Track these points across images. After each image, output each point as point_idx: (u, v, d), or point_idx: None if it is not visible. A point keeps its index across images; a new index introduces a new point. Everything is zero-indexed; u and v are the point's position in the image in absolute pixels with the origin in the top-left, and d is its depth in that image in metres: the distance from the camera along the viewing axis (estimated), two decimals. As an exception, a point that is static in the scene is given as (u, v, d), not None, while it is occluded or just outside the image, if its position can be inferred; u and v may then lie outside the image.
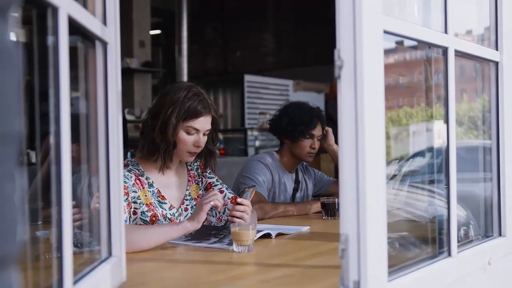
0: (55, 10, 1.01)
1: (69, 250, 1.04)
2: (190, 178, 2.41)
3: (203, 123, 2.23)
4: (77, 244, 1.40)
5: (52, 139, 1.03)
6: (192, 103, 2.20)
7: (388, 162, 1.32)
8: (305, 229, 2.37)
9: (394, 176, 2.23)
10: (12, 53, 0.57)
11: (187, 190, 2.37)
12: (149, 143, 2.23)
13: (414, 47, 1.76)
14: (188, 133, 2.21)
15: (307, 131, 3.02)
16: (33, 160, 2.45)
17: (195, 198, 2.38)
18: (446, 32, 1.54)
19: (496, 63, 1.84)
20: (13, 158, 0.59)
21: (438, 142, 2.02)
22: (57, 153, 1.02)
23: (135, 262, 1.73)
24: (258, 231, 2.05)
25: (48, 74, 1.04)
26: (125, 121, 4.61)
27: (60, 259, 1.02)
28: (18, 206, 0.59)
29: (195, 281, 1.57)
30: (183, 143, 2.22)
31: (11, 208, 0.57)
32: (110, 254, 1.39)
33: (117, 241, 1.41)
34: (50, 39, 1.03)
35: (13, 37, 0.59)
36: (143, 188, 2.21)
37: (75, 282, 1.10)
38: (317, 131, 3.05)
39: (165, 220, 2.23)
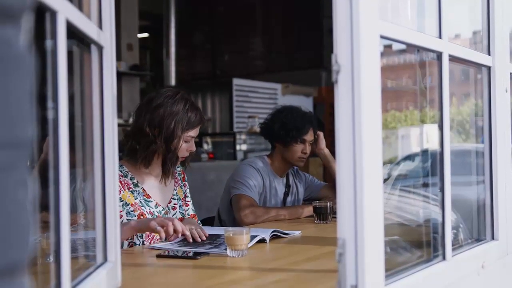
0: (53, 14, 1.00)
1: (67, 255, 1.03)
2: (176, 180, 2.49)
3: (198, 130, 2.37)
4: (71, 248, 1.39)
5: (50, 144, 1.02)
6: (191, 115, 2.31)
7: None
8: (297, 233, 2.37)
9: (385, 180, 2.24)
10: (25, 58, 0.57)
11: (174, 190, 2.46)
12: (151, 154, 2.29)
13: (402, 51, 1.77)
14: (186, 141, 2.33)
15: (299, 136, 3.01)
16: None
17: (182, 198, 2.48)
18: (440, 37, 1.55)
19: (488, 68, 1.85)
20: (25, 164, 0.59)
21: (428, 146, 2.03)
22: (55, 157, 1.01)
23: (130, 267, 1.72)
24: (252, 237, 2.05)
25: (45, 77, 1.03)
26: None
27: (58, 264, 1.01)
28: (30, 212, 0.59)
29: (191, 286, 1.56)
30: (180, 151, 2.32)
31: (23, 214, 0.57)
32: (105, 259, 1.38)
33: (112, 246, 1.40)
34: (48, 43, 1.02)
35: (25, 43, 0.59)
36: (125, 189, 2.26)
37: (72, 288, 1.10)
38: (309, 136, 3.05)
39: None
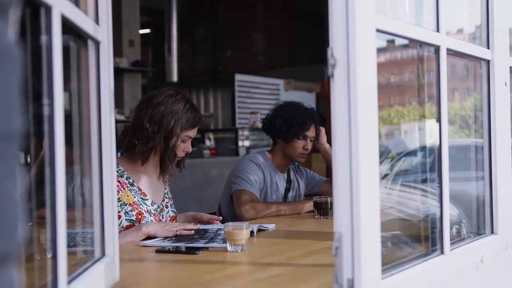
0: (48, 9, 1.00)
1: (63, 250, 1.03)
2: (166, 180, 2.53)
3: (196, 131, 2.41)
4: (69, 244, 1.40)
5: (45, 140, 1.02)
6: (191, 115, 2.34)
7: (380, 161, 1.33)
8: (272, 226, 2.40)
9: (386, 175, 2.23)
10: (13, 52, 0.58)
11: (165, 189, 2.50)
12: (149, 150, 2.31)
13: (405, 46, 1.77)
14: (183, 141, 2.35)
15: (300, 132, 3.01)
16: (22, 161, 2.45)
17: (171, 198, 2.53)
18: (438, 30, 1.54)
19: (488, 62, 1.85)
20: (15, 156, 0.59)
21: (430, 141, 2.03)
22: (51, 154, 1.02)
23: (129, 262, 1.72)
24: None
25: (41, 73, 1.03)
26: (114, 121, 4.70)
27: (54, 259, 1.01)
28: (19, 204, 0.59)
29: (189, 281, 1.56)
30: (177, 150, 2.35)
31: (12, 206, 0.58)
32: (103, 254, 1.39)
33: (110, 241, 1.40)
34: (43, 38, 1.02)
35: (13, 36, 0.59)
36: (124, 189, 2.29)
37: (69, 282, 1.10)
38: (311, 132, 3.05)
39: (150, 216, 2.31)
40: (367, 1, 1.21)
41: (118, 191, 2.24)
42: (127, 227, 2.23)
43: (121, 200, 2.24)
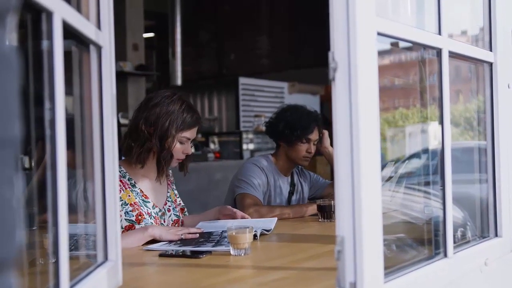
0: (49, 14, 1.00)
1: (65, 255, 1.03)
2: (169, 183, 2.53)
3: (194, 132, 2.39)
4: (72, 247, 1.40)
5: (47, 144, 1.03)
6: (187, 115, 2.33)
7: (384, 164, 1.33)
8: (274, 221, 2.43)
9: (390, 178, 2.23)
10: (11, 57, 0.58)
11: (168, 192, 2.49)
12: (146, 152, 2.31)
13: (409, 49, 1.76)
14: (181, 142, 2.35)
15: (304, 135, 3.01)
16: (26, 165, 2.46)
17: (174, 201, 2.52)
18: (440, 33, 1.54)
19: (490, 64, 1.84)
20: (12, 163, 0.59)
21: (434, 143, 2.03)
22: (53, 158, 1.02)
23: (131, 266, 1.72)
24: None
25: (42, 78, 1.04)
26: (118, 125, 4.70)
27: (56, 264, 1.02)
28: (17, 210, 0.59)
29: (192, 285, 1.56)
30: (175, 152, 2.34)
31: (10, 212, 0.58)
32: (106, 258, 1.39)
33: (113, 245, 1.40)
34: (44, 44, 1.03)
35: (11, 41, 0.60)
36: (126, 189, 2.30)
37: (71, 287, 1.10)
38: (314, 136, 3.05)
39: (150, 218, 2.32)
40: (367, 4, 1.21)
41: (120, 190, 2.24)
42: (126, 228, 2.23)
43: (122, 200, 2.25)
